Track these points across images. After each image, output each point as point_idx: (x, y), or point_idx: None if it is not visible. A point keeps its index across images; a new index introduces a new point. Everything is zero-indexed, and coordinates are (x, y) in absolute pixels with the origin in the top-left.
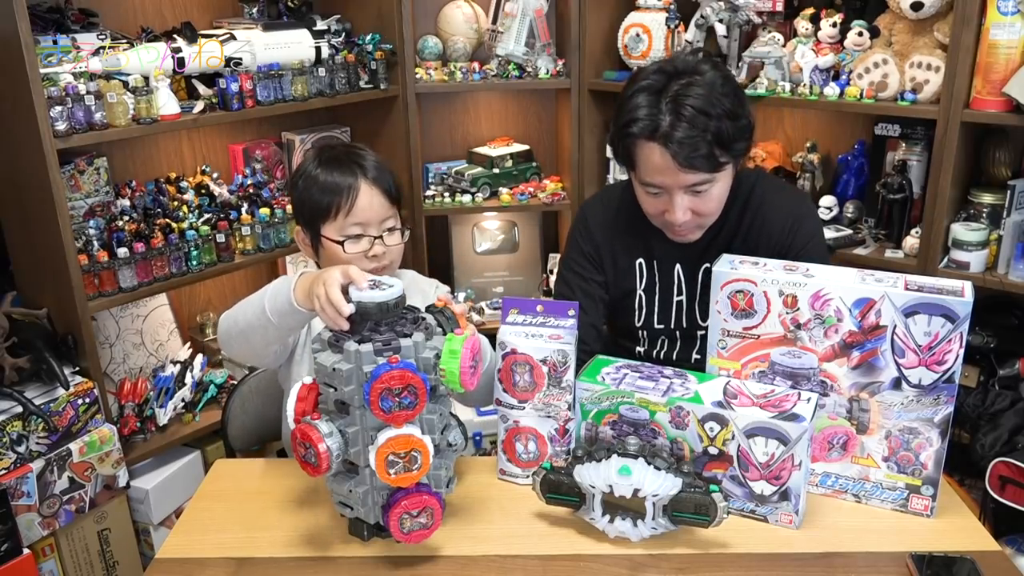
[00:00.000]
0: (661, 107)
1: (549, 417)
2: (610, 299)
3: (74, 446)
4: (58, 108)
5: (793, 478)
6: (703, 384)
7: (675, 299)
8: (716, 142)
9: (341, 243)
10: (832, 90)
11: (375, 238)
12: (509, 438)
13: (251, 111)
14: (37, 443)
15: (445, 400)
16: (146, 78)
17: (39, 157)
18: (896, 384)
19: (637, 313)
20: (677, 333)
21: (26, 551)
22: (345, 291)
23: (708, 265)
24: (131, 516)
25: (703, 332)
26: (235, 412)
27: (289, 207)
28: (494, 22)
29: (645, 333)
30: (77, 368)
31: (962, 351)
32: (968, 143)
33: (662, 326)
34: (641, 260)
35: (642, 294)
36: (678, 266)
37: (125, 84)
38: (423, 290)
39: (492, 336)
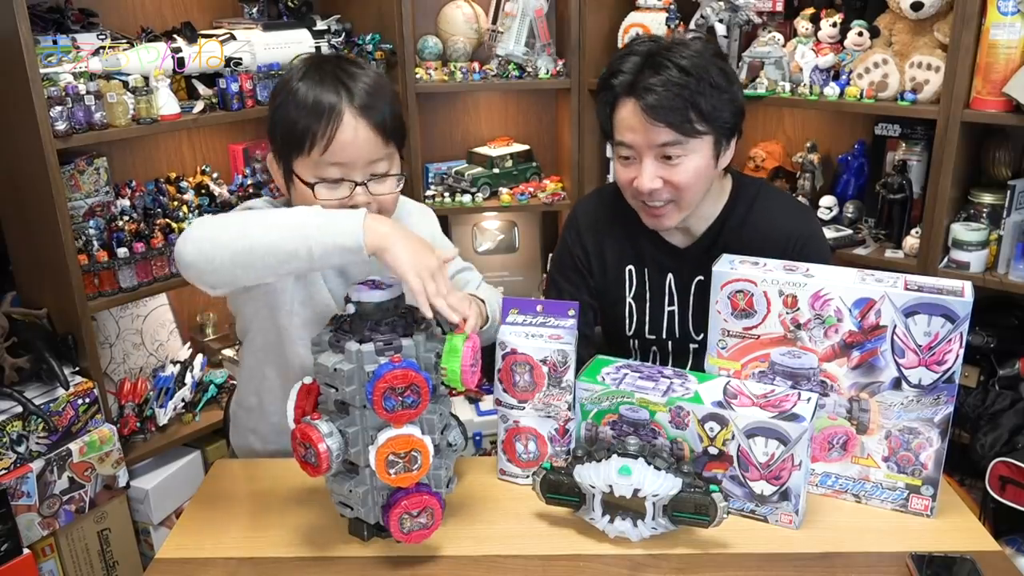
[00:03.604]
0: (644, 67)
1: (549, 417)
2: (600, 305)
3: (74, 446)
4: (58, 108)
5: (793, 478)
6: (703, 384)
7: (666, 309)
8: (693, 105)
9: (312, 186)
10: (832, 90)
11: (357, 184)
12: (509, 438)
13: (251, 111)
14: (37, 443)
15: (445, 400)
16: (146, 78)
17: (39, 157)
18: (896, 384)
19: (627, 322)
20: (669, 344)
21: (26, 551)
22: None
23: (702, 278)
24: (131, 516)
25: (696, 346)
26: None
27: None
28: (494, 22)
29: (636, 343)
30: (77, 368)
31: (962, 351)
32: (968, 143)
33: (653, 336)
34: (631, 267)
35: (632, 302)
36: (670, 276)
37: (125, 84)
38: (414, 224)
39: None
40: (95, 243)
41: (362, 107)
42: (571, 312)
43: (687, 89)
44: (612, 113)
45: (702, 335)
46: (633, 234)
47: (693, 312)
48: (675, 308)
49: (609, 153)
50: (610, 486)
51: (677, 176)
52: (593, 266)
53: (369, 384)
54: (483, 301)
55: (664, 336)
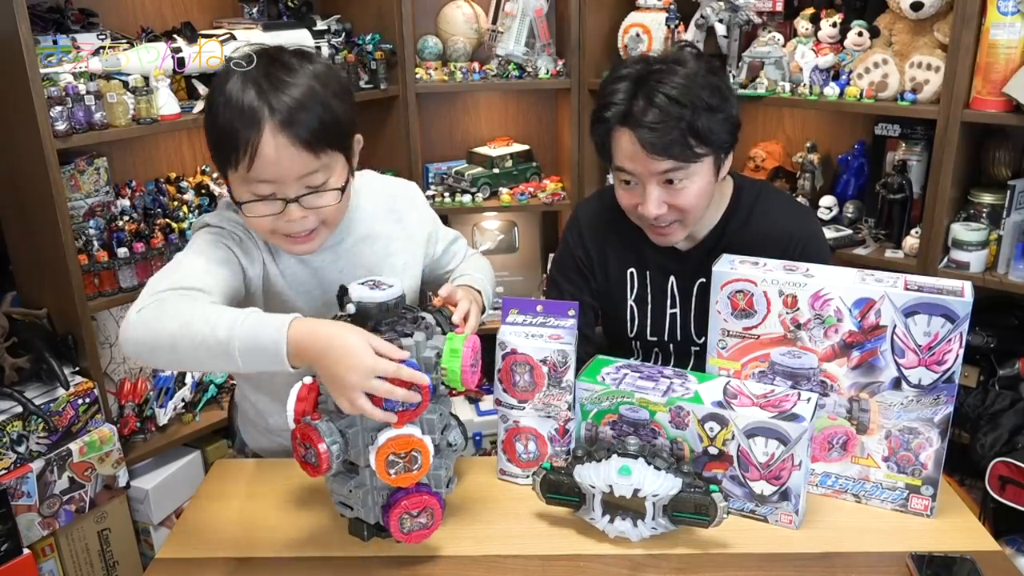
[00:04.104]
0: (636, 94)
1: (549, 417)
2: (602, 307)
3: (74, 446)
4: (58, 108)
5: (793, 478)
6: (703, 384)
7: (668, 312)
8: (691, 131)
9: (241, 205)
10: (832, 90)
11: (288, 201)
12: (509, 438)
13: None
14: (37, 443)
15: (445, 400)
16: (146, 78)
17: (39, 157)
18: (896, 384)
19: (629, 324)
20: (671, 347)
21: (26, 551)
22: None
23: (704, 280)
24: (131, 516)
25: (698, 349)
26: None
27: None
28: (494, 22)
29: (638, 344)
30: (77, 368)
31: (962, 351)
32: (968, 143)
33: (655, 338)
34: (633, 270)
35: (633, 305)
36: (672, 278)
37: (125, 84)
38: (398, 211)
39: (492, 336)
40: (95, 243)
41: (283, 122)
42: (571, 312)
43: (683, 121)
44: (608, 140)
45: (704, 338)
46: (635, 237)
47: (695, 315)
48: (677, 311)
49: None
50: (610, 486)
51: (681, 200)
52: (595, 268)
53: None
54: (480, 292)
55: (666, 339)
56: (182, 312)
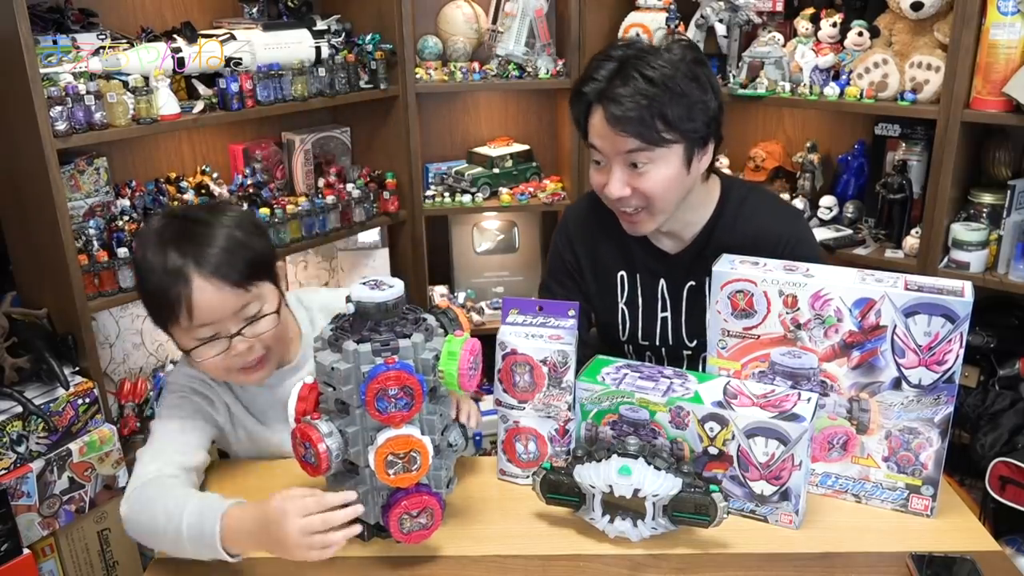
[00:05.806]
0: (617, 74)
1: (549, 417)
2: (594, 310)
3: (74, 446)
4: (58, 108)
5: (793, 478)
6: (703, 384)
7: (659, 315)
8: (659, 115)
9: (189, 351)
10: (832, 90)
11: (231, 337)
12: (509, 438)
13: (251, 111)
14: (37, 443)
15: (446, 400)
16: (146, 78)
17: (39, 157)
18: (896, 384)
19: (620, 328)
20: (663, 350)
21: (26, 551)
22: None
23: (693, 283)
24: None
25: (690, 352)
26: None
27: (290, 207)
28: (494, 22)
29: (631, 348)
30: (77, 368)
31: (962, 351)
32: (968, 143)
33: (647, 342)
34: (623, 273)
35: (624, 308)
36: (662, 281)
37: (125, 84)
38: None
39: (492, 336)
40: (95, 243)
41: (212, 269)
42: (571, 312)
43: (655, 101)
44: (584, 116)
45: (695, 341)
46: (624, 239)
47: (686, 318)
48: (668, 314)
49: None
50: (610, 486)
51: (644, 184)
52: (585, 271)
53: (363, 385)
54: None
55: (657, 342)
56: (156, 512)
